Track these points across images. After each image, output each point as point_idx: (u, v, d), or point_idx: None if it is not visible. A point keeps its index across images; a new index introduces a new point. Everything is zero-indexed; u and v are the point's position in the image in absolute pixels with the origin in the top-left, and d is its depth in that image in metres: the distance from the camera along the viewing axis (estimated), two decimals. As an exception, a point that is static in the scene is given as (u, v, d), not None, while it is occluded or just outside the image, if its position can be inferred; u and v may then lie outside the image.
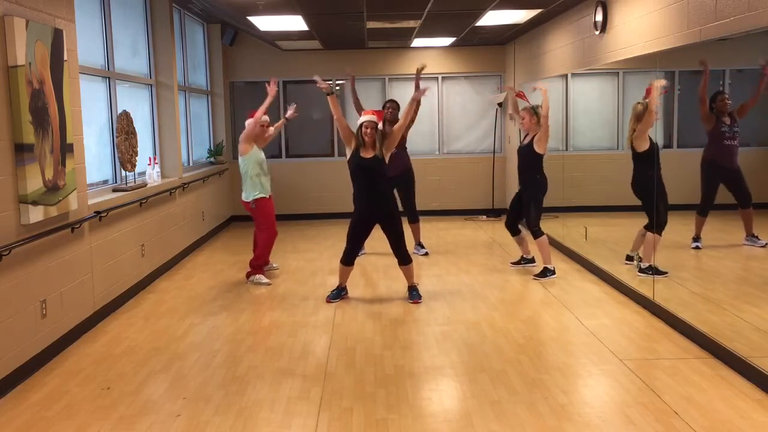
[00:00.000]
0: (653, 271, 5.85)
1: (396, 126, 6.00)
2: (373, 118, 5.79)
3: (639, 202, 6.09)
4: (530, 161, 6.74)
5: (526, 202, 6.78)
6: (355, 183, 5.92)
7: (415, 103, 6.29)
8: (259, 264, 6.83)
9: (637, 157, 6.04)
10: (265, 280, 6.77)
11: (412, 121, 7.97)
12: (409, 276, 6.03)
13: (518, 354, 4.62)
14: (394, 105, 7.80)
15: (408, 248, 6.09)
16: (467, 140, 11.16)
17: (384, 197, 5.91)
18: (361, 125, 5.78)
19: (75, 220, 5.07)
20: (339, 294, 6.02)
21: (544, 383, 4.10)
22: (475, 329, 5.18)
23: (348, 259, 6.02)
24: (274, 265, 7.34)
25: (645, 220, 6.11)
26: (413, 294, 5.97)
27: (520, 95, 7.32)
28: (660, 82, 5.88)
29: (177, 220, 7.76)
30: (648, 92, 5.94)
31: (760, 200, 5.53)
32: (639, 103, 6.05)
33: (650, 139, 5.92)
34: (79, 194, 5.16)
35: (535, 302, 5.95)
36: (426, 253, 7.95)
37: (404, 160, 7.76)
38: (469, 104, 11.08)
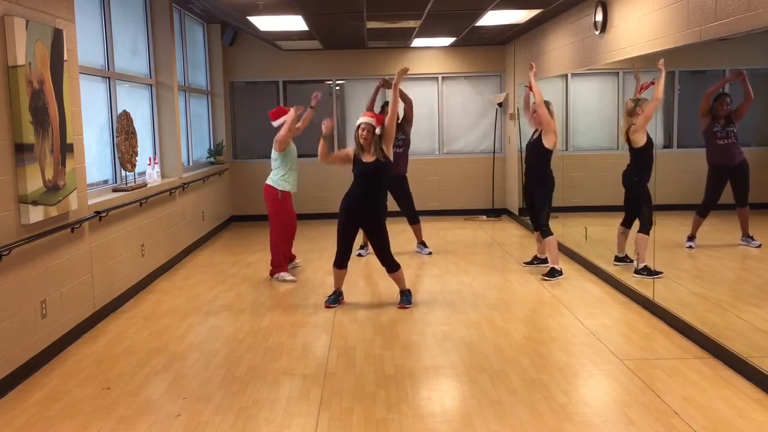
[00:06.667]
0: (647, 271, 5.86)
1: (387, 120, 5.70)
2: (371, 120, 5.69)
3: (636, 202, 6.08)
4: (539, 157, 6.68)
5: (539, 203, 6.74)
6: (353, 184, 5.84)
7: (398, 92, 5.95)
8: (279, 261, 6.81)
9: (633, 152, 6.04)
10: (289, 277, 6.77)
11: (410, 121, 7.93)
12: (399, 282, 5.92)
13: (518, 354, 4.62)
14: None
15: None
16: (467, 140, 11.16)
17: (368, 204, 5.73)
18: (358, 127, 5.70)
19: (75, 220, 5.07)
20: (336, 299, 5.93)
21: (544, 383, 4.10)
22: (475, 329, 5.18)
23: (340, 261, 5.91)
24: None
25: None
26: (403, 299, 5.86)
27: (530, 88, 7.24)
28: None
29: (177, 220, 7.76)
30: (642, 88, 5.92)
31: (761, 200, 5.53)
32: (630, 99, 6.05)
33: (648, 135, 5.90)
34: (79, 194, 5.16)
35: (536, 302, 5.95)
36: (429, 253, 7.96)
37: (400, 164, 7.69)
38: (469, 104, 11.08)
